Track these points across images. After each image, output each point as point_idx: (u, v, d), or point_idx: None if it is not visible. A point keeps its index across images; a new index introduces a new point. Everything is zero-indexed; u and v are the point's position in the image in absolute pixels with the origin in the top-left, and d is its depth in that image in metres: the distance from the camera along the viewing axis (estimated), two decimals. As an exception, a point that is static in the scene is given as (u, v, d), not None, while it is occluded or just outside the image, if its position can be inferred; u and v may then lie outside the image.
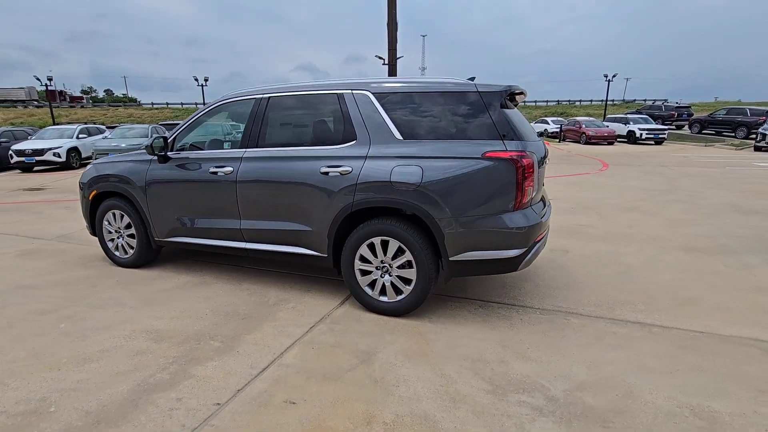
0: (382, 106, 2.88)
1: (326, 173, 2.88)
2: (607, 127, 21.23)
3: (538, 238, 2.78)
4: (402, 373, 2.20)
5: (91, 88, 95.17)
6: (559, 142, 22.29)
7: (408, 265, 2.76)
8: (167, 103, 57.70)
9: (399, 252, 2.77)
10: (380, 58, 20.18)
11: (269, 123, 3.24)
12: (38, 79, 33.45)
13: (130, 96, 78.54)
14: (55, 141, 13.56)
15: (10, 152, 12.91)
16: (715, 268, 3.62)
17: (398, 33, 11.55)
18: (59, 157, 13.03)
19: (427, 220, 2.67)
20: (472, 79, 2.98)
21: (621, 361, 2.27)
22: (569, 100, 52.90)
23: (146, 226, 3.71)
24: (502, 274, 2.97)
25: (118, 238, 3.91)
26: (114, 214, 3.86)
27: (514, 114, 2.84)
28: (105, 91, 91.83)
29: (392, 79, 3.05)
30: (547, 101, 53.05)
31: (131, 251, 3.86)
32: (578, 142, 20.94)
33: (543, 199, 3.16)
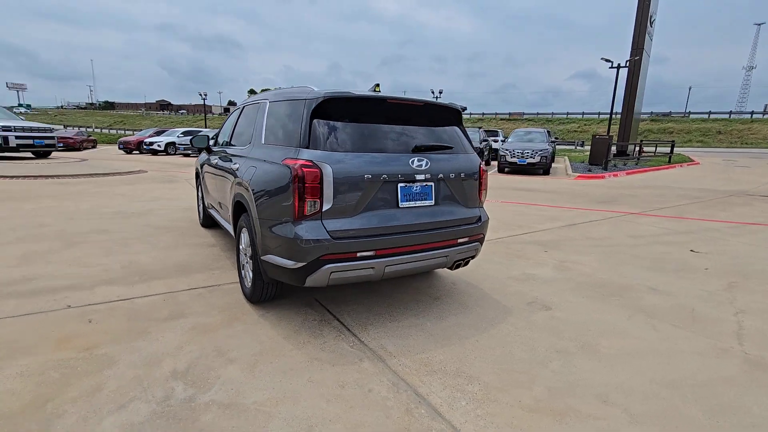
0: (267, 113, 3.26)
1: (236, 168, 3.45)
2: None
3: (328, 257, 2.52)
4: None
5: None
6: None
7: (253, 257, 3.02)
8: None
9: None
10: (607, 60, 20.49)
11: (239, 125, 4.07)
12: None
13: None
14: None
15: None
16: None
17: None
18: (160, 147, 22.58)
19: (250, 217, 2.94)
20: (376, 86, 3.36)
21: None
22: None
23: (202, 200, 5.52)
24: (297, 286, 2.76)
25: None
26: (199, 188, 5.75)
27: (344, 123, 2.67)
28: None
29: (286, 88, 3.34)
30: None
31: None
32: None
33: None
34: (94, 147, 28.54)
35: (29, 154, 14.60)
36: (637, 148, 21.59)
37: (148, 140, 23.37)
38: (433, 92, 38.74)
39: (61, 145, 26.31)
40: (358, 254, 2.58)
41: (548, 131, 17.18)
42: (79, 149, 26.33)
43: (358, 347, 2.62)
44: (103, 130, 57.31)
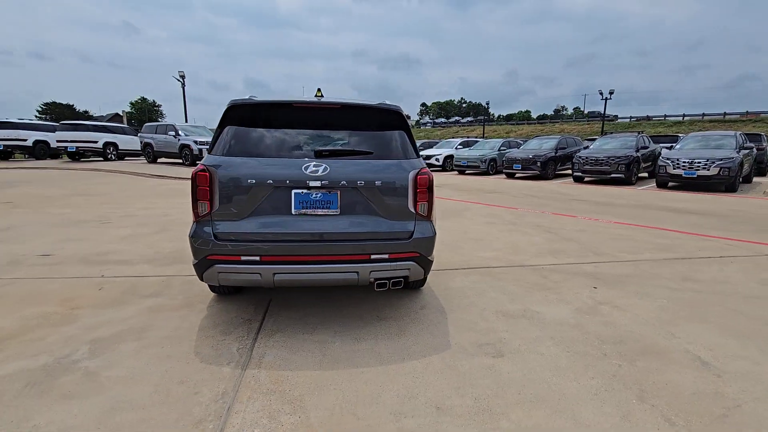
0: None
1: None
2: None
3: (214, 257, 2.59)
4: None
5: (563, 107, 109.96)
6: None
7: None
8: (648, 116, 54.27)
9: None
10: None
11: None
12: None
13: (606, 112, 74.79)
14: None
15: None
16: None
17: None
18: (438, 161, 19.13)
19: None
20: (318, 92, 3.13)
21: None
22: None
23: None
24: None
25: None
26: None
27: (248, 129, 2.79)
28: (574, 108, 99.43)
29: None
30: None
31: None
32: None
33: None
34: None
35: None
36: None
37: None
38: (601, 93, 33.58)
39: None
40: (242, 258, 2.59)
41: (744, 135, 12.91)
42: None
43: (242, 352, 2.62)
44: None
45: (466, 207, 8.55)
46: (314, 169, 2.63)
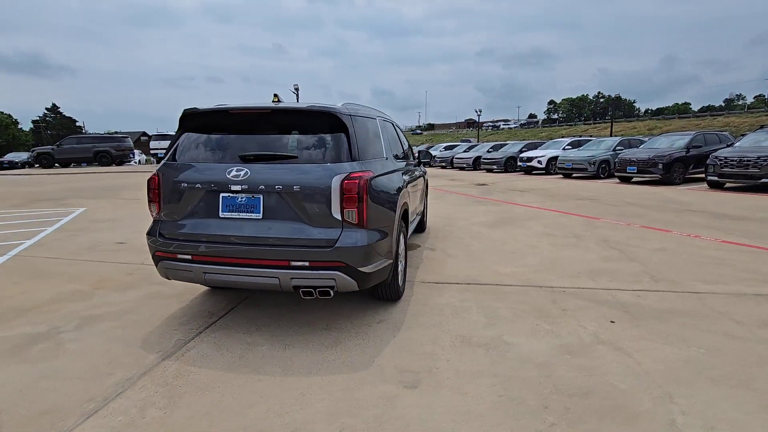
0: None
1: None
2: None
3: (159, 254, 2.87)
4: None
5: (739, 96, 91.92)
6: None
7: None
8: None
9: None
10: None
11: None
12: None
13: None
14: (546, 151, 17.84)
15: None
16: None
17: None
18: (540, 164, 17.23)
19: None
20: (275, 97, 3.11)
21: None
22: None
23: None
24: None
25: None
26: None
27: (197, 135, 2.97)
28: (756, 97, 79.52)
29: None
30: None
31: None
32: None
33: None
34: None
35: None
36: None
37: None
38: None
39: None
40: (178, 256, 2.76)
41: None
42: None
43: (179, 343, 2.78)
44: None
45: (535, 215, 7.63)
46: (236, 173, 2.66)
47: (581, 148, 16.76)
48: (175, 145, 2.97)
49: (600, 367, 2.43)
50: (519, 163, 18.36)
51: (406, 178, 3.94)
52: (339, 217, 2.60)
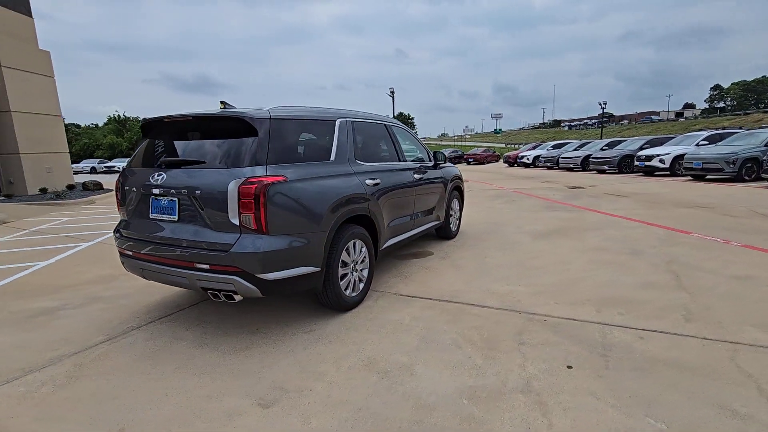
0: None
1: None
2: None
3: (119, 250, 3.17)
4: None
5: None
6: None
7: None
8: None
9: None
10: None
11: None
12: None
13: None
14: (674, 148, 14.59)
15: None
16: None
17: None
18: (663, 163, 14.39)
19: None
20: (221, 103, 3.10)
21: None
22: None
23: None
24: None
25: None
26: None
27: (149, 141, 3.20)
28: None
29: None
30: None
31: None
32: None
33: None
34: (497, 161, 34.36)
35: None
36: None
37: (521, 154, 25.59)
38: None
39: (472, 159, 33.77)
40: (127, 253, 3.06)
41: None
42: (483, 163, 32.75)
43: (127, 331, 3.10)
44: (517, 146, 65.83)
45: (607, 225, 6.40)
46: (156, 178, 2.83)
47: (719, 143, 13.40)
48: (134, 152, 3.31)
49: (490, 423, 1.93)
50: (636, 163, 15.60)
51: (381, 183, 3.69)
52: (237, 222, 2.58)
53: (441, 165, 5.23)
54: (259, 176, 2.60)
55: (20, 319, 3.38)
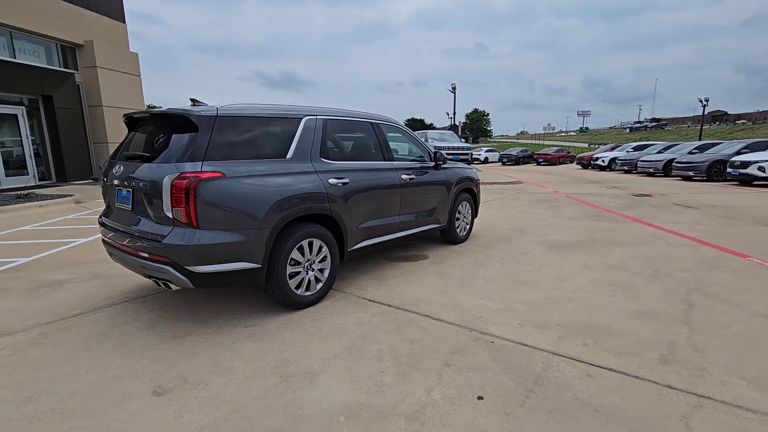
0: None
1: None
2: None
3: (102, 237, 3.37)
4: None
5: None
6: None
7: None
8: None
9: None
10: None
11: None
12: None
13: None
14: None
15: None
16: None
17: None
18: (763, 171, 12.06)
19: None
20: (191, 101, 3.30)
21: None
22: None
23: None
24: None
25: None
26: None
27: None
28: None
29: None
30: None
31: None
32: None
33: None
34: (571, 162, 31.80)
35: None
36: None
37: (596, 155, 23.33)
38: None
39: (542, 159, 31.68)
40: (102, 239, 3.36)
41: None
42: (554, 164, 30.55)
43: (99, 306, 3.41)
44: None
45: (645, 241, 5.60)
46: (117, 169, 3.05)
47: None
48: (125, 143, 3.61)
49: (350, 447, 1.79)
50: (729, 170, 13.44)
51: (350, 182, 3.61)
52: (170, 215, 2.69)
53: (443, 166, 4.97)
54: (193, 172, 2.68)
55: (31, 288, 3.88)
